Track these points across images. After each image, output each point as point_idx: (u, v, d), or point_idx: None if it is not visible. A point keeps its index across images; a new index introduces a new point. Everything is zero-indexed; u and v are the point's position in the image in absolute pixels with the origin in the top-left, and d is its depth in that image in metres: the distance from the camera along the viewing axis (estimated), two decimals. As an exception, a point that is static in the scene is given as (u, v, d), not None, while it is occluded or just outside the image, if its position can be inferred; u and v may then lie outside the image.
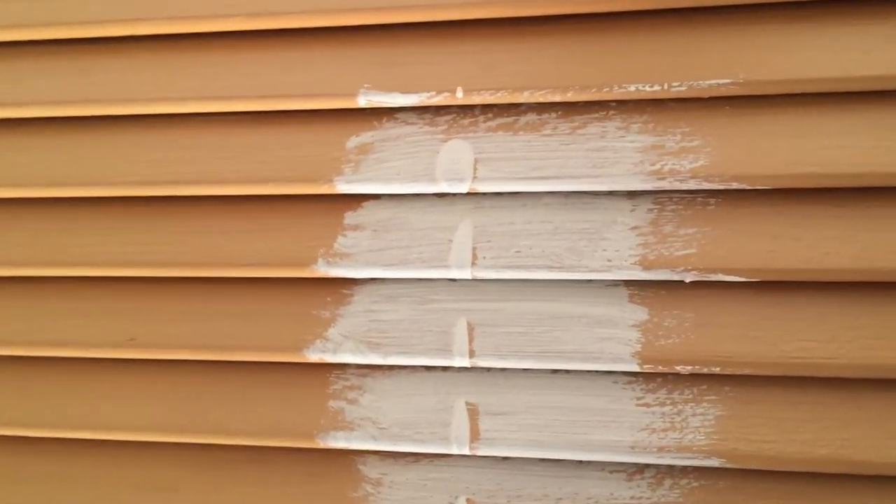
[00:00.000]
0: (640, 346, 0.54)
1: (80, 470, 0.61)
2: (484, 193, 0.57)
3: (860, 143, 0.51)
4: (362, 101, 0.56)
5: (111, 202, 0.60)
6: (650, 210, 0.55)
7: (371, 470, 0.59)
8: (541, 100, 0.55)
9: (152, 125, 0.59)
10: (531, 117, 0.56)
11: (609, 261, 0.54)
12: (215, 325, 0.59)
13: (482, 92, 0.55)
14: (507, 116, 0.56)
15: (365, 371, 0.59)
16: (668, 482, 0.55)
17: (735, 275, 0.53)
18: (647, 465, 0.55)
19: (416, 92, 0.56)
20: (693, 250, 0.53)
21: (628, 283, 0.55)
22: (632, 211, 0.55)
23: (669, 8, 0.53)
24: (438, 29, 0.56)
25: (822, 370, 0.52)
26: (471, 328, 0.56)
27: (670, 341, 0.54)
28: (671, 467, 0.55)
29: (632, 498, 0.55)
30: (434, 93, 0.55)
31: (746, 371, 0.53)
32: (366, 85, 0.56)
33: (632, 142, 0.54)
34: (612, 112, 0.55)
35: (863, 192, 0.52)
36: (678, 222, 0.54)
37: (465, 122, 0.56)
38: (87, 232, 0.60)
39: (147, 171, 0.59)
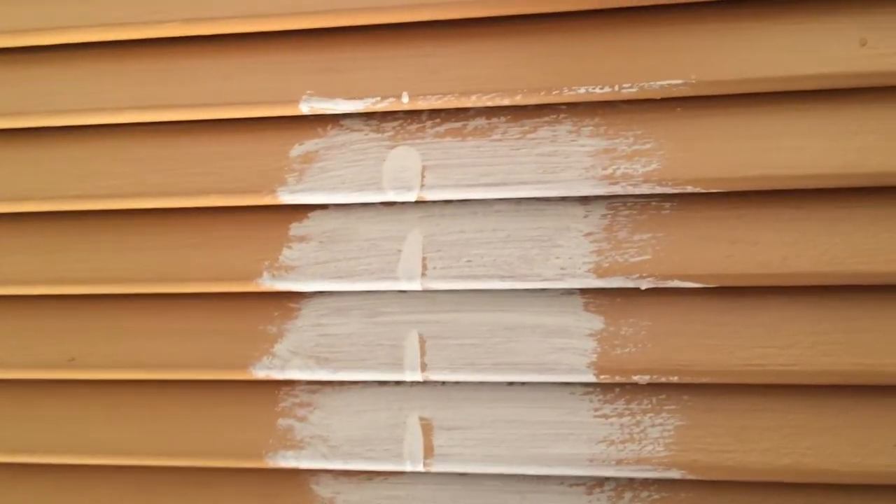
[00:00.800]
0: (596, 356, 0.52)
1: (18, 496, 0.59)
2: (433, 202, 0.55)
3: (815, 144, 0.50)
4: (305, 108, 0.54)
5: (46, 218, 0.58)
6: (604, 216, 0.53)
7: (324, 489, 0.57)
8: (489, 104, 0.53)
9: (87, 137, 0.57)
10: (480, 122, 0.54)
11: (562, 269, 0.52)
12: (158, 343, 0.57)
13: (428, 97, 0.53)
14: (456, 122, 0.54)
15: (315, 387, 0.57)
16: (628, 495, 0.53)
17: (691, 281, 0.51)
18: (607, 479, 0.54)
19: (360, 98, 0.54)
20: (648, 256, 0.52)
21: (583, 292, 0.54)
22: (585, 217, 0.53)
23: (618, 7, 0.51)
24: (382, 33, 0.54)
25: (782, 377, 0.50)
26: (422, 341, 0.54)
27: (627, 350, 0.52)
28: (631, 480, 0.53)
29: (591, 512, 0.53)
30: (379, 98, 0.53)
31: (705, 379, 0.51)
32: (308, 91, 0.54)
33: (583, 146, 0.52)
34: (562, 115, 0.53)
35: (820, 193, 0.51)
36: (632, 228, 0.52)
37: (413, 128, 0.55)
38: (21, 249, 0.58)
39: (82, 185, 0.56)
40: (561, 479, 0.54)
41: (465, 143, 0.54)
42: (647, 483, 0.53)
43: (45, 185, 0.57)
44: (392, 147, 0.54)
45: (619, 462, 0.52)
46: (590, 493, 0.54)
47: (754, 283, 0.51)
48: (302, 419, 0.56)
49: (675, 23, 0.51)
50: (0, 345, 0.59)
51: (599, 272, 0.52)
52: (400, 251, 0.54)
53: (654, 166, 0.51)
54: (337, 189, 0.54)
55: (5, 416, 0.58)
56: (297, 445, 0.55)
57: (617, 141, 0.52)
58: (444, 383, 0.55)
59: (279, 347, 0.56)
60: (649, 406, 0.53)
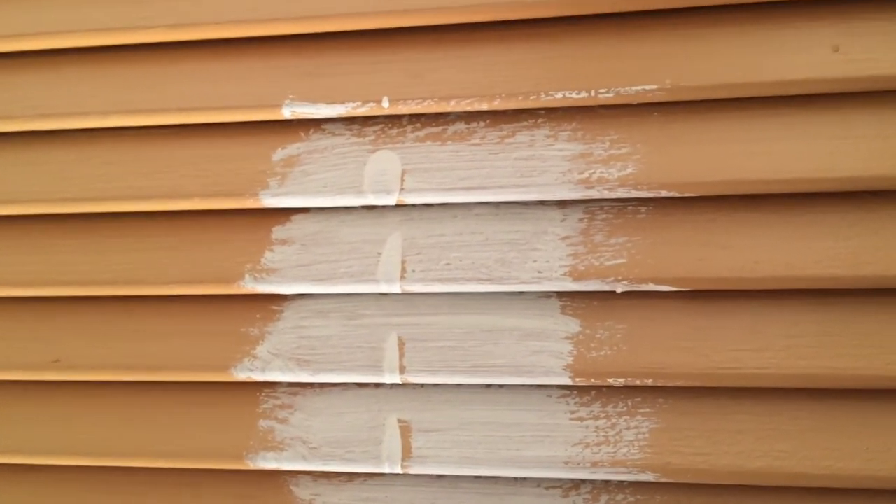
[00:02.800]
0: (572, 358, 0.53)
1: (1, 496, 0.59)
2: (413, 205, 0.55)
3: (787, 148, 0.50)
4: (287, 113, 0.55)
5: (31, 220, 0.59)
6: (581, 219, 0.53)
7: (303, 491, 0.57)
8: (468, 108, 0.54)
9: (73, 140, 0.58)
10: (459, 126, 0.55)
11: (539, 272, 0.53)
12: (141, 344, 0.57)
13: (409, 101, 0.54)
14: (436, 126, 0.55)
15: (295, 389, 0.57)
16: (604, 498, 0.54)
17: (665, 284, 0.52)
18: (583, 481, 0.54)
19: (341, 102, 0.54)
20: (623, 260, 0.52)
21: (560, 295, 0.54)
22: (562, 221, 0.54)
23: (596, 14, 0.52)
24: (363, 38, 0.55)
25: (755, 380, 0.51)
26: (401, 343, 0.55)
27: (602, 353, 0.52)
28: (607, 482, 0.54)
29: (568, 515, 0.53)
30: (360, 103, 0.54)
31: (679, 382, 0.52)
32: (290, 96, 0.55)
33: (560, 150, 0.53)
34: (540, 120, 0.54)
35: (791, 198, 0.51)
36: (609, 231, 0.53)
37: (393, 132, 0.55)
38: (6, 251, 0.59)
39: (68, 188, 0.57)
40: (538, 482, 0.55)
41: (445, 147, 0.54)
42: (622, 486, 0.54)
43: (31, 187, 0.58)
44: (373, 151, 0.55)
45: (594, 465, 0.53)
46: (566, 496, 0.54)
47: (727, 287, 0.51)
48: (282, 421, 0.56)
49: (652, 29, 0.52)
50: (-14, 346, 0.59)
51: (576, 275, 0.52)
52: (380, 254, 0.55)
53: (629, 170, 0.52)
54: (318, 192, 0.55)
55: (-10, 416, 0.59)
56: (277, 447, 0.56)
57: (594, 145, 0.53)
58: (422, 385, 0.56)
59: (260, 349, 0.56)
60: (625, 409, 0.53)
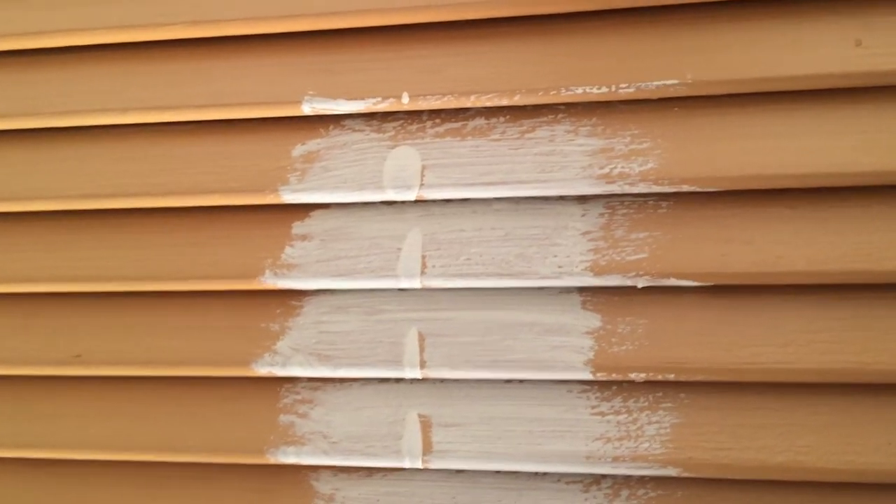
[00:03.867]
0: (593, 353, 0.53)
1: (22, 491, 0.60)
2: (433, 200, 0.55)
3: (811, 143, 0.50)
4: (307, 109, 0.55)
5: (53, 216, 0.59)
6: (601, 214, 0.53)
7: (324, 485, 0.57)
8: (488, 104, 0.53)
9: (94, 137, 0.58)
10: (479, 122, 0.55)
11: (560, 267, 0.53)
12: (162, 340, 0.58)
13: (428, 97, 0.54)
14: (455, 122, 0.55)
15: (316, 384, 0.57)
16: (624, 493, 0.54)
17: (687, 279, 0.51)
18: (604, 476, 0.54)
19: (361, 98, 0.55)
20: (644, 255, 0.52)
21: (581, 290, 0.54)
22: (583, 216, 0.54)
23: (616, 9, 0.52)
24: (384, 34, 0.55)
25: (777, 375, 0.51)
26: (422, 338, 0.55)
27: (624, 348, 0.52)
28: (628, 477, 0.54)
29: (588, 510, 0.54)
30: (380, 98, 0.54)
31: (701, 377, 0.51)
32: (310, 92, 0.55)
33: (580, 145, 0.53)
34: (561, 115, 0.54)
35: (815, 192, 0.51)
36: (629, 226, 0.53)
37: (413, 128, 0.55)
38: (28, 247, 0.59)
39: (89, 184, 0.57)
40: (558, 477, 0.55)
41: (465, 142, 0.54)
42: (643, 481, 0.54)
43: (53, 184, 0.58)
44: (392, 147, 0.55)
45: (615, 459, 0.53)
46: (586, 491, 0.54)
47: (749, 282, 0.51)
48: (303, 416, 0.57)
49: (672, 23, 0.52)
50: (7, 342, 0.59)
51: (596, 270, 0.52)
52: (400, 249, 0.55)
53: (650, 165, 0.52)
54: (338, 188, 0.55)
55: (11, 412, 0.59)
56: (297, 441, 0.56)
57: (614, 140, 0.52)
58: (442, 380, 0.56)
59: (281, 345, 0.56)
60: (646, 404, 0.53)
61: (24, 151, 0.59)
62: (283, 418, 0.57)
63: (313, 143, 0.56)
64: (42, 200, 0.58)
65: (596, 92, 0.52)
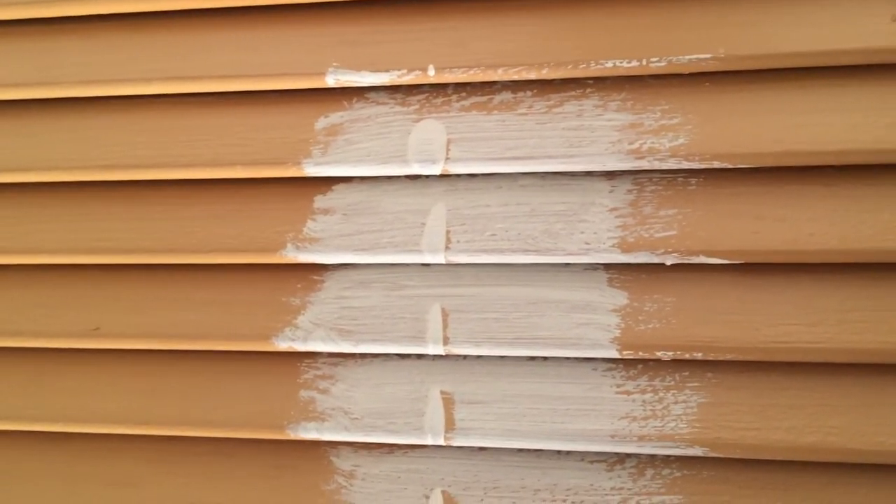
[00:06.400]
0: (619, 331, 0.52)
1: (39, 464, 0.59)
2: (458, 175, 0.55)
3: (845, 119, 0.49)
4: (331, 81, 0.54)
5: (74, 187, 0.58)
6: (629, 191, 0.53)
7: (344, 462, 0.57)
8: (515, 77, 0.53)
9: (116, 107, 0.58)
10: (506, 96, 0.54)
11: (587, 243, 0.52)
12: (182, 313, 0.57)
13: (454, 70, 0.53)
14: (482, 95, 0.54)
15: (336, 359, 0.57)
16: (649, 472, 0.53)
17: (717, 257, 0.51)
18: (629, 455, 0.54)
19: (386, 70, 0.54)
20: (674, 232, 0.51)
21: (607, 267, 0.53)
22: (611, 192, 0.53)
23: (647, -20, 0.51)
24: (409, 6, 0.54)
25: (807, 355, 0.50)
26: (445, 314, 0.54)
27: (651, 326, 0.52)
28: (653, 457, 0.53)
29: (612, 489, 0.53)
30: (405, 71, 0.53)
31: (729, 356, 0.51)
32: (334, 63, 0.54)
33: (609, 120, 0.52)
34: (589, 90, 0.53)
35: (848, 169, 0.50)
36: (658, 203, 0.52)
37: (438, 101, 0.55)
38: (48, 218, 0.58)
39: (110, 155, 0.57)
40: (582, 455, 0.54)
41: (491, 116, 0.54)
42: (668, 460, 0.53)
43: (73, 154, 0.57)
44: (417, 120, 0.54)
45: (641, 438, 0.52)
46: (611, 470, 0.54)
47: (780, 260, 0.50)
48: (324, 391, 0.56)
49: (705, -3, 0.51)
50: (26, 314, 0.59)
51: (624, 247, 0.52)
52: (424, 224, 0.54)
53: (680, 141, 0.51)
54: (362, 161, 0.54)
55: (30, 385, 0.59)
56: (318, 417, 0.56)
57: (644, 115, 0.52)
58: (465, 357, 0.55)
59: (302, 319, 0.56)
60: (672, 383, 0.52)
61: (44, 121, 0.58)
62: (304, 394, 0.56)
63: (336, 116, 0.55)
64: (62, 171, 0.57)
65: (626, 66, 0.51)
